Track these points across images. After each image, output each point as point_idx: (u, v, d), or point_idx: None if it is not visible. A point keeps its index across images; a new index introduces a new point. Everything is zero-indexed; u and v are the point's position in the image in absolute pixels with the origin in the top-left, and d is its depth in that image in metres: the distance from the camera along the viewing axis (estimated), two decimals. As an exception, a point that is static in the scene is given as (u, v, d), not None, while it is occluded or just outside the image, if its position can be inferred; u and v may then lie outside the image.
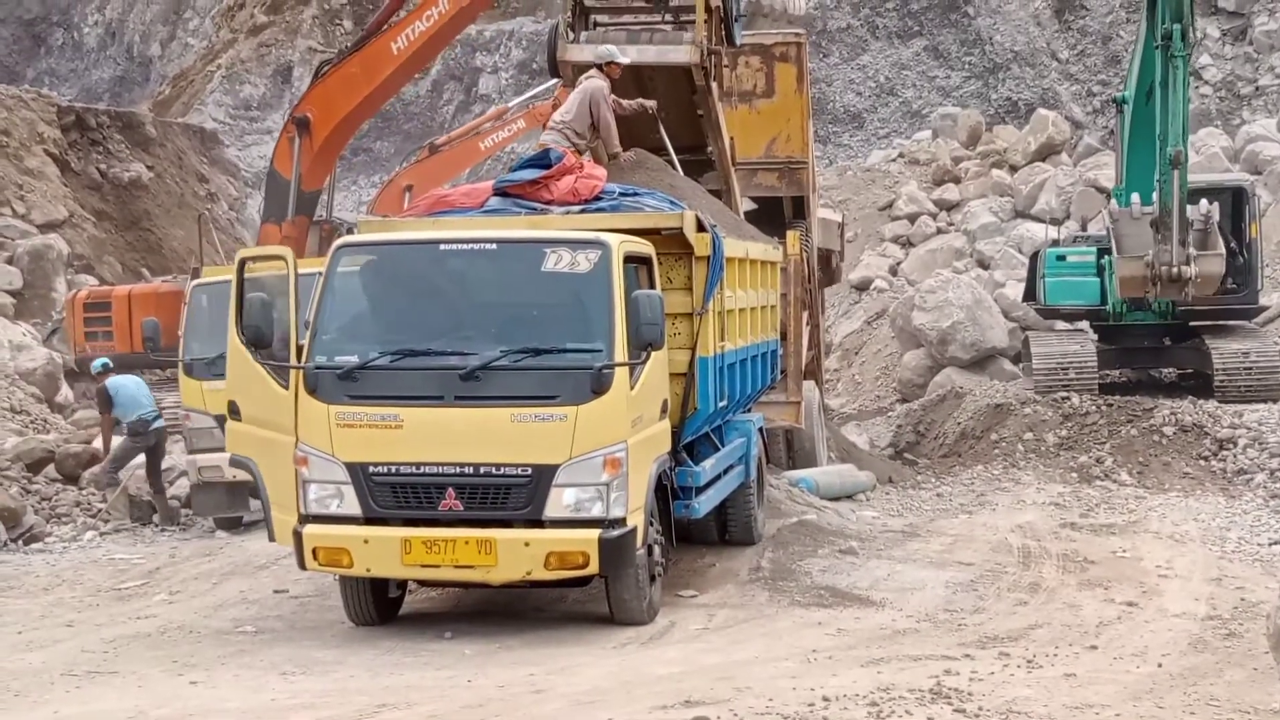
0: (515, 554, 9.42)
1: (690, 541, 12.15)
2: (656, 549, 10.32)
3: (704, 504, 11.28)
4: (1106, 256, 21.73)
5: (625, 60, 12.86)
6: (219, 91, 46.15)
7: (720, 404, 11.35)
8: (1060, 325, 23.30)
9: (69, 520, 15.66)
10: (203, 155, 38.97)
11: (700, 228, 10.68)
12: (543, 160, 11.15)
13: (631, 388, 9.62)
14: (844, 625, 10.16)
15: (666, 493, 10.60)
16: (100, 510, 15.90)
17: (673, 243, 10.62)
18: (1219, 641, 9.70)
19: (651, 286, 10.23)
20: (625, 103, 12.97)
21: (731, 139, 14.72)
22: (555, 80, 13.44)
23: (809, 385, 16.93)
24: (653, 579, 10.25)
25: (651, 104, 13.18)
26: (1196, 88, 35.68)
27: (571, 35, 13.40)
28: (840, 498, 16.21)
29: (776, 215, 17.02)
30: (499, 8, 44.95)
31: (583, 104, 12.57)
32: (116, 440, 16.36)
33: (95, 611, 11.42)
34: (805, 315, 16.61)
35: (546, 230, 10.38)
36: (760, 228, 16.26)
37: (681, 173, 13.23)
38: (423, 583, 10.85)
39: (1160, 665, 8.94)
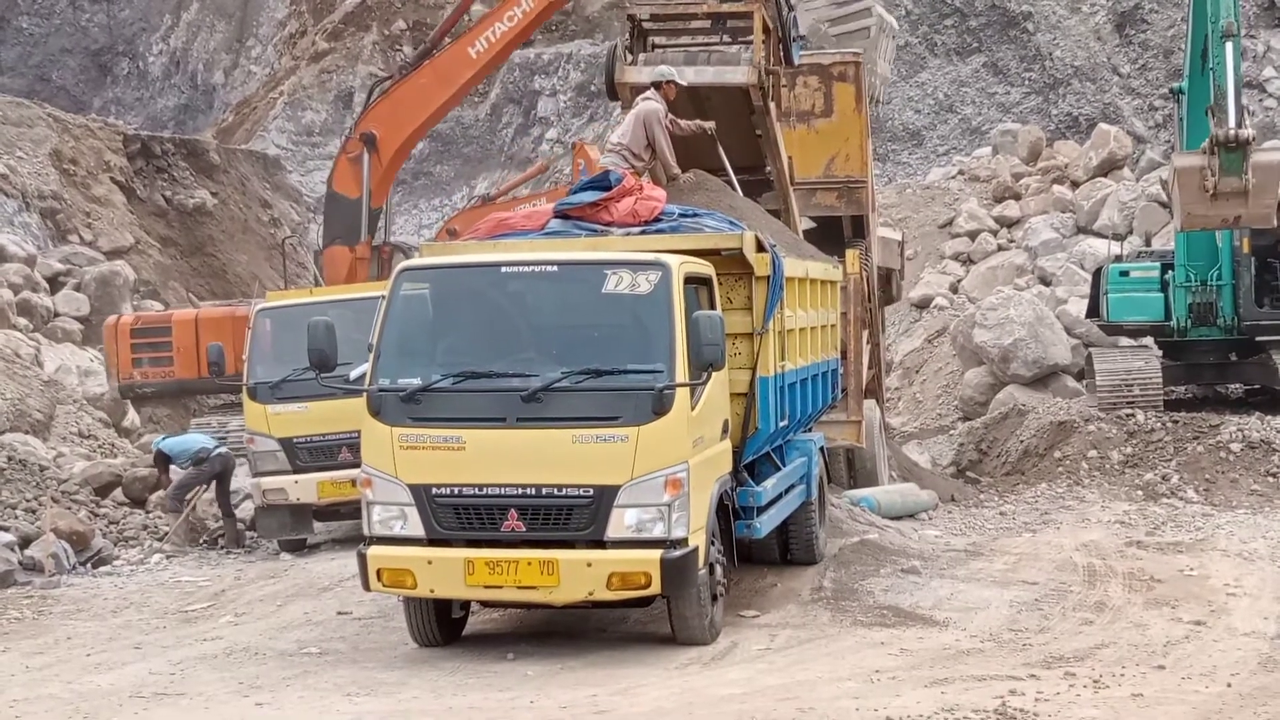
0: (578, 575, 9.46)
1: (752, 561, 12.20)
2: (718, 569, 10.29)
3: (765, 524, 11.26)
4: (1170, 271, 21.55)
5: (682, 81, 12.89)
6: (281, 118, 46.68)
7: (781, 423, 11.34)
8: (1124, 341, 23.08)
9: (136, 543, 15.85)
10: (265, 181, 39.43)
11: (760, 248, 10.69)
12: (603, 182, 11.15)
13: (692, 408, 9.64)
14: (907, 645, 10.10)
15: (728, 512, 10.58)
16: (165, 534, 16.09)
17: (733, 263, 10.63)
18: (1289, 661, 9.57)
19: (712, 307, 10.24)
20: (683, 123, 13.00)
21: (790, 159, 14.73)
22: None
23: (870, 404, 16.88)
24: (714, 599, 10.22)
25: (710, 125, 13.19)
26: (1260, 100, 35.33)
27: (630, 57, 13.46)
28: (902, 517, 16.14)
29: (836, 234, 17.01)
30: (557, 31, 45.21)
31: (638, 125, 12.62)
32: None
33: (162, 634, 11.54)
34: (865, 334, 16.57)
35: (606, 252, 10.40)
36: (820, 247, 16.24)
37: (741, 193, 13.22)
38: (486, 603, 10.88)
39: (1229, 685, 8.83)
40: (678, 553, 9.47)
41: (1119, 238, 27.90)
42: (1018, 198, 33.41)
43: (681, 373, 9.56)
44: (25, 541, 14.64)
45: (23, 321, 26.44)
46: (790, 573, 12.54)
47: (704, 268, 10.40)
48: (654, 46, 13.88)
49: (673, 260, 9.87)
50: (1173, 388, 21.89)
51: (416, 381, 9.74)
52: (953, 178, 36.05)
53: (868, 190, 17.40)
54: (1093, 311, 23.52)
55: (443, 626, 10.45)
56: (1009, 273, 30.47)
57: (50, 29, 56.13)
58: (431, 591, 9.81)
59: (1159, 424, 19.50)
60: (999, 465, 20.35)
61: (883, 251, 19.05)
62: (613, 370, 9.62)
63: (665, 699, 8.61)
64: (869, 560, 13.02)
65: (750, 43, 13.47)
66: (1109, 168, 33.01)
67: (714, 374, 9.91)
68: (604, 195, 10.99)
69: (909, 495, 16.96)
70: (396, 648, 10.50)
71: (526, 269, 10.05)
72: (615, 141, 12.82)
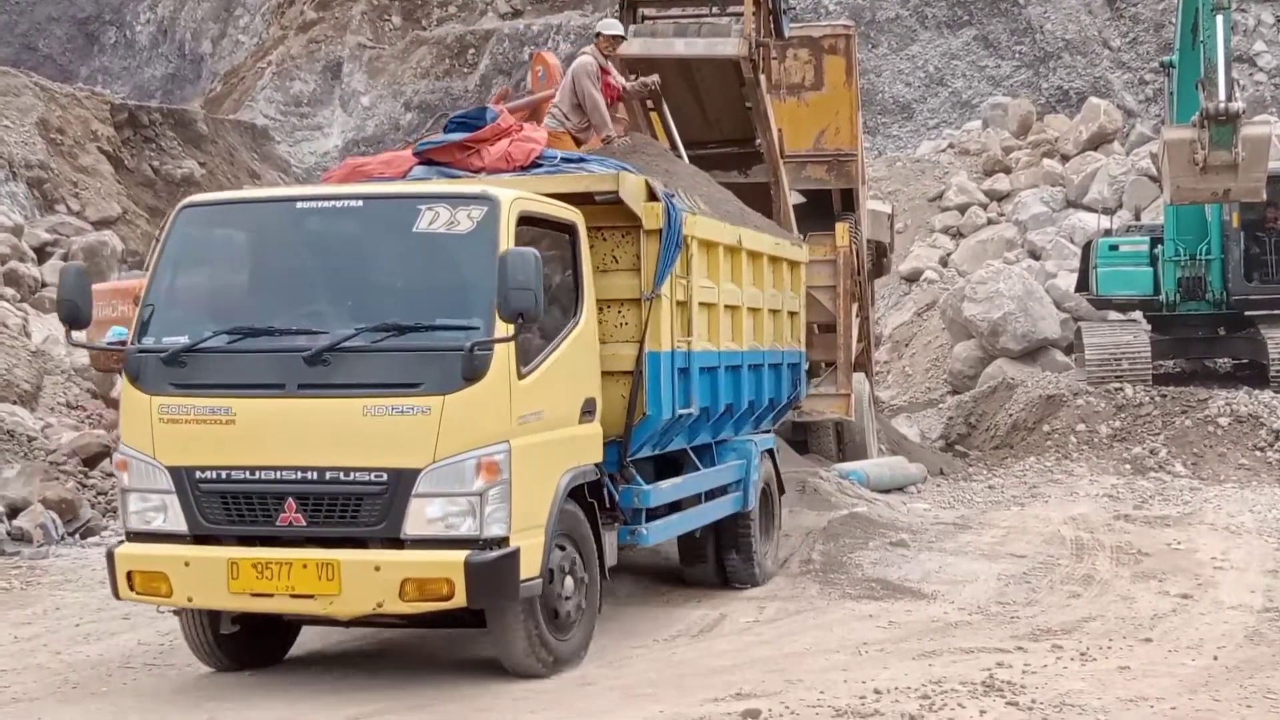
0: (363, 581, 7.70)
1: (686, 584, 11.28)
2: (570, 581, 8.49)
3: (657, 532, 9.69)
4: (1160, 246, 21.57)
5: (613, 33, 12.18)
6: (269, 88, 46.46)
7: (683, 412, 9.72)
8: (1113, 315, 23.14)
9: (124, 514, 15.80)
10: (254, 152, 39.26)
11: (652, 196, 9.18)
12: (477, 119, 9.60)
13: (521, 375, 7.93)
14: (895, 618, 10.13)
15: (594, 513, 8.80)
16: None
17: (617, 214, 9.09)
18: (1275, 634, 9.60)
19: (575, 261, 8.75)
20: (628, 85, 12.40)
21: (780, 131, 14.70)
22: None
23: (859, 377, 16.90)
24: (560, 617, 8.44)
25: (653, 79, 12.56)
26: (1250, 74, 35.29)
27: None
28: (891, 490, 16.18)
29: (825, 208, 17.00)
30: (547, 3, 45.06)
31: (566, 82, 11.90)
32: None
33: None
34: (855, 307, 16.58)
35: (424, 186, 8.89)
36: (810, 220, 16.27)
37: (686, 159, 12.45)
38: (256, 616, 8.61)
39: (1216, 658, 8.86)
40: (490, 555, 7.68)
41: (1108, 212, 27.87)
42: (1008, 171, 33.41)
43: (504, 331, 7.79)
44: (13, 512, 14.62)
45: (10, 291, 26.32)
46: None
47: (561, 211, 8.72)
48: (644, 18, 13.85)
49: (503, 194, 8.14)
50: (1161, 362, 21.96)
51: (184, 340, 8.06)
52: (943, 151, 36.03)
53: (857, 163, 17.38)
54: (1082, 285, 23.55)
55: (240, 645, 8.73)
56: (998, 246, 30.48)
57: (37, -3, 55.79)
58: (190, 601, 8.06)
59: (1147, 398, 19.55)
60: (988, 439, 20.39)
61: (872, 225, 19.04)
62: (417, 326, 7.81)
63: (653, 670, 8.63)
64: (858, 533, 13.05)
65: (740, 15, 13.43)
66: (1099, 141, 33.02)
67: (575, 340, 8.53)
68: (470, 136, 9.42)
69: (898, 469, 16.99)
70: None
71: (326, 204, 8.38)
72: (555, 101, 12.15)
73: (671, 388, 9.44)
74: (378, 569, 7.69)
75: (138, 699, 8.36)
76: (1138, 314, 22.53)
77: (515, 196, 8.22)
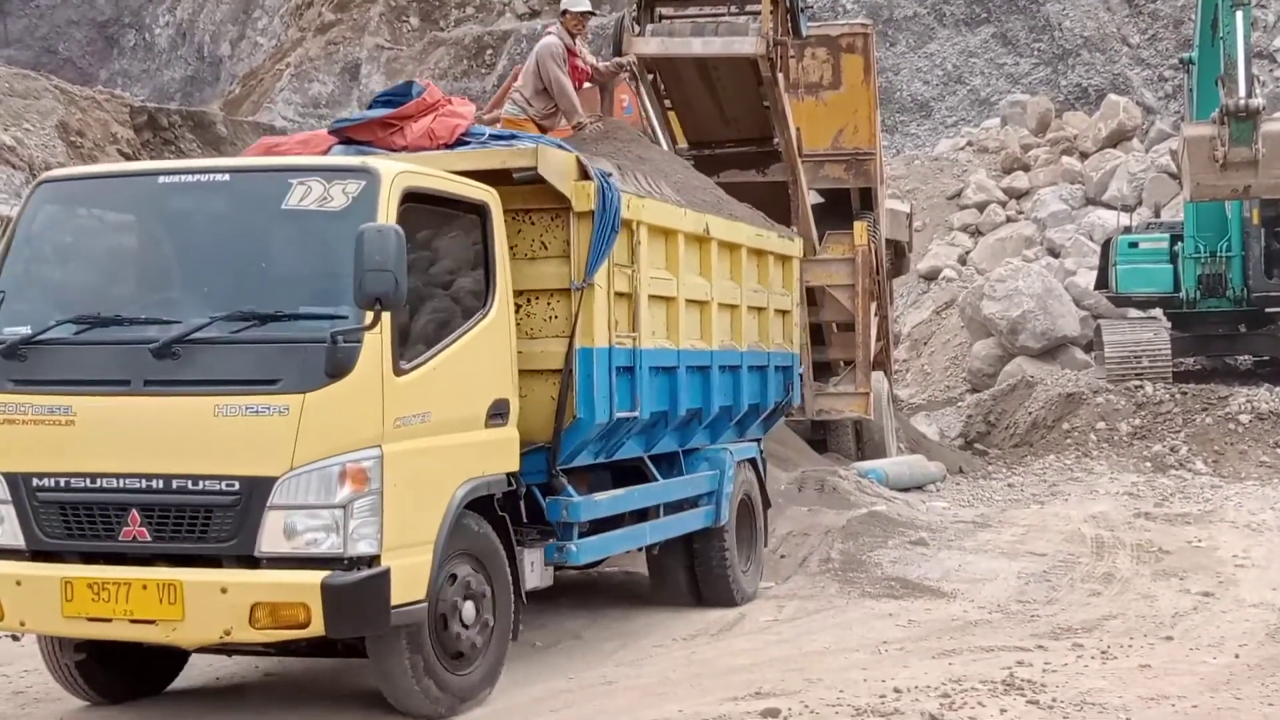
0: (209, 605, 6.73)
1: (657, 604, 10.57)
2: (470, 607, 7.51)
3: (590, 549, 8.76)
4: (1179, 243, 21.52)
5: (581, 10, 11.40)
6: (288, 90, 46.62)
7: (624, 415, 8.75)
8: (1133, 313, 23.10)
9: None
10: (273, 153, 39.36)
11: (584, 174, 8.33)
12: (401, 95, 8.77)
13: (400, 371, 7.01)
14: (915, 616, 10.11)
15: (509, 530, 7.87)
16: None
17: (547, 195, 8.27)
18: (1297, 632, 9.57)
19: (487, 246, 7.84)
20: (602, 65, 11.86)
21: (798, 130, 14.70)
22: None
23: (878, 376, 16.89)
24: (455, 648, 7.43)
25: (629, 59, 12.12)
26: (1271, 70, 35.15)
27: (637, 29, 13.43)
28: (910, 488, 16.16)
29: (844, 207, 16.98)
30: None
31: (530, 66, 11.18)
32: None
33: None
34: (874, 306, 16.57)
35: (301, 158, 8.08)
36: (828, 219, 16.28)
37: (665, 146, 11.84)
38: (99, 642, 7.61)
39: (1237, 656, 8.83)
40: (352, 577, 6.69)
41: (1128, 209, 27.86)
42: (1026, 169, 33.34)
43: (382, 321, 6.83)
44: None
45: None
46: (792, 542, 12.53)
47: (468, 189, 7.80)
48: (661, 17, 13.85)
49: (385, 167, 7.22)
50: (1181, 359, 21.90)
51: (26, 330, 7.17)
52: (961, 149, 35.97)
53: (876, 162, 17.37)
54: (1101, 283, 23.50)
55: (112, 675, 7.82)
56: (1017, 244, 30.43)
57: (57, 1, 56.05)
58: (23, 625, 7.15)
59: (1168, 395, 19.50)
60: (1007, 437, 20.35)
61: (891, 223, 19.03)
62: (278, 315, 6.87)
63: (672, 669, 8.62)
64: (877, 532, 13.03)
65: (758, 14, 13.42)
66: (1118, 139, 32.94)
67: (480, 334, 7.64)
68: (392, 112, 8.58)
69: (917, 467, 16.97)
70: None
71: (191, 179, 7.45)
72: (517, 86, 11.39)
73: (609, 388, 8.50)
74: (225, 591, 6.72)
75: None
76: (1158, 311, 22.49)
77: (400, 170, 7.25)
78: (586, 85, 11.95)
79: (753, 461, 11.17)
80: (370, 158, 7.65)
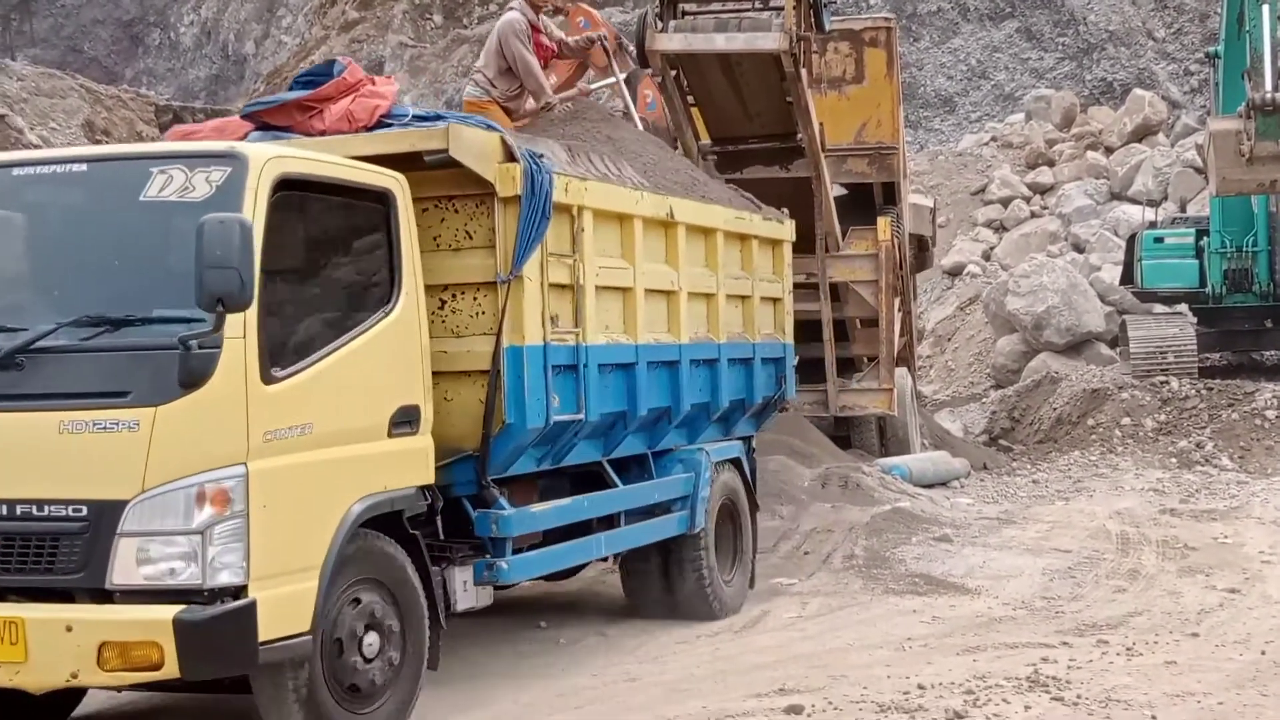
0: (53, 645, 6.02)
1: (638, 616, 10.00)
2: (373, 638, 6.79)
3: (525, 565, 8.14)
4: (1205, 238, 21.43)
5: None
6: (313, 88, 46.71)
7: (567, 418, 8.10)
8: (1158, 308, 23.01)
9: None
10: (297, 151, 39.48)
11: (509, 156, 7.66)
12: (323, 74, 8.08)
13: (270, 379, 6.29)
14: (939, 613, 10.09)
15: (422, 550, 7.17)
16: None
17: (469, 180, 7.64)
18: (1324, 629, 9.52)
19: (391, 238, 7.15)
20: (571, 40, 11.24)
21: (821, 125, 14.66)
22: (612, 79, 12.23)
23: (901, 372, 16.85)
24: (354, 682, 6.71)
25: (599, 34, 11.63)
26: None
27: (660, 25, 13.40)
28: (934, 485, 16.12)
29: (867, 202, 16.94)
30: (587, -2, 45.09)
31: (492, 44, 10.51)
32: None
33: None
34: (897, 301, 16.53)
35: (167, 145, 7.45)
36: (851, 214, 16.23)
37: (641, 127, 11.36)
38: None
39: (1264, 653, 8.78)
40: (209, 612, 5.96)
41: (1153, 204, 27.76)
42: (1051, 164, 33.24)
43: (240, 323, 6.11)
44: None
45: (57, 292, 26.61)
46: (816, 538, 12.51)
47: (367, 175, 7.13)
48: (684, 13, 13.82)
49: (254, 152, 6.52)
50: (1207, 355, 21.81)
51: None
52: (985, 144, 35.89)
53: (899, 157, 17.32)
54: (1127, 278, 23.43)
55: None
56: (1042, 240, 30.34)
57: (82, 0, 56.32)
58: None
59: (1193, 391, 19.42)
60: (1031, 433, 20.29)
61: (915, 219, 18.97)
62: (130, 319, 6.17)
63: (696, 666, 8.62)
64: (901, 528, 13.00)
65: (781, 9, 13.39)
66: (1143, 133, 32.81)
67: (384, 335, 6.98)
68: (310, 94, 7.90)
69: (941, 463, 16.93)
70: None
71: (47, 170, 6.80)
72: (478, 66, 10.74)
73: (543, 389, 7.83)
74: (70, 630, 5.99)
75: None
76: (1183, 306, 22.40)
77: (272, 156, 6.52)
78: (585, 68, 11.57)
79: (736, 462, 10.45)
80: (238, 142, 7.05)
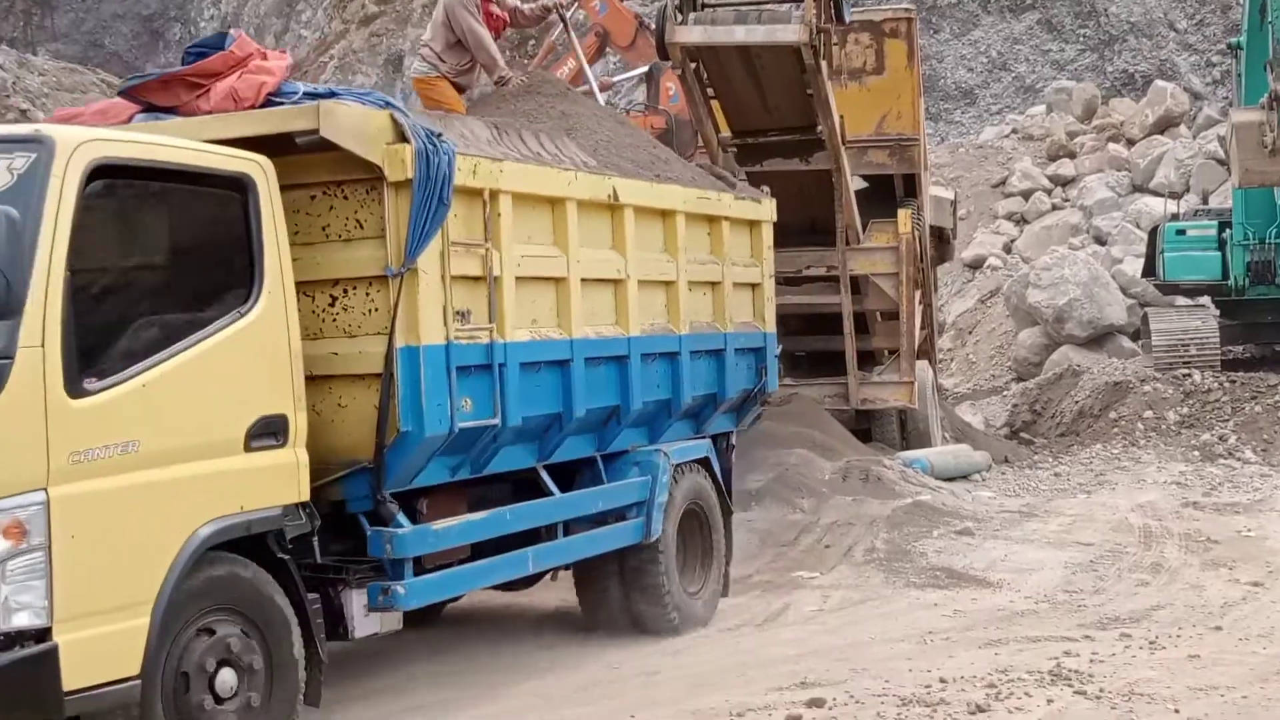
0: None
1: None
2: (228, 676, 6.14)
3: (425, 589, 7.37)
4: (1228, 230, 21.32)
5: None
6: (331, 82, 46.72)
7: (479, 424, 7.42)
8: (1181, 301, 22.91)
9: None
10: (317, 145, 39.55)
11: (401, 136, 6.95)
12: (214, 46, 7.44)
13: (80, 392, 5.62)
14: (961, 606, 10.07)
15: (293, 576, 6.51)
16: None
17: (359, 165, 6.97)
18: (1349, 622, 9.47)
19: (249, 228, 6.44)
20: (525, 8, 10.77)
21: (841, 117, 14.63)
22: (641, 69, 11.95)
23: (922, 365, 16.80)
24: None
25: (555, 2, 11.22)
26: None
27: (680, 17, 13.38)
28: (955, 478, 16.08)
29: (888, 194, 16.90)
30: (606, -9, 45.05)
31: (439, 15, 10.06)
32: None
33: None
34: (918, 294, 16.48)
35: None
36: (872, 206, 16.19)
37: (601, 102, 10.87)
38: None
39: (1288, 647, 8.76)
40: (3, 659, 5.37)
41: (1175, 196, 27.58)
42: (1072, 156, 33.11)
43: (38, 330, 5.46)
44: None
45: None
46: (839, 530, 12.48)
47: (219, 160, 6.43)
48: (704, 5, 13.79)
49: (64, 135, 5.84)
50: (1230, 347, 21.69)
51: None
52: (1006, 136, 35.75)
53: (920, 148, 17.26)
54: (1149, 271, 23.31)
55: None
56: (1063, 232, 30.21)
57: (102, -5, 56.51)
58: None
59: (1216, 384, 19.34)
60: (1053, 426, 20.22)
61: (935, 211, 18.91)
62: None
63: (717, 660, 8.62)
64: (922, 522, 12.98)
65: (801, 0, 13.36)
66: (1165, 125, 32.66)
67: (239, 337, 6.29)
68: (192, 68, 7.29)
69: (962, 456, 16.89)
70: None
71: None
72: (425, 40, 10.26)
73: (447, 393, 7.12)
74: None
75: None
76: (1206, 299, 22.30)
77: (84, 140, 5.83)
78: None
79: (705, 462, 9.70)
80: (50, 125, 6.34)
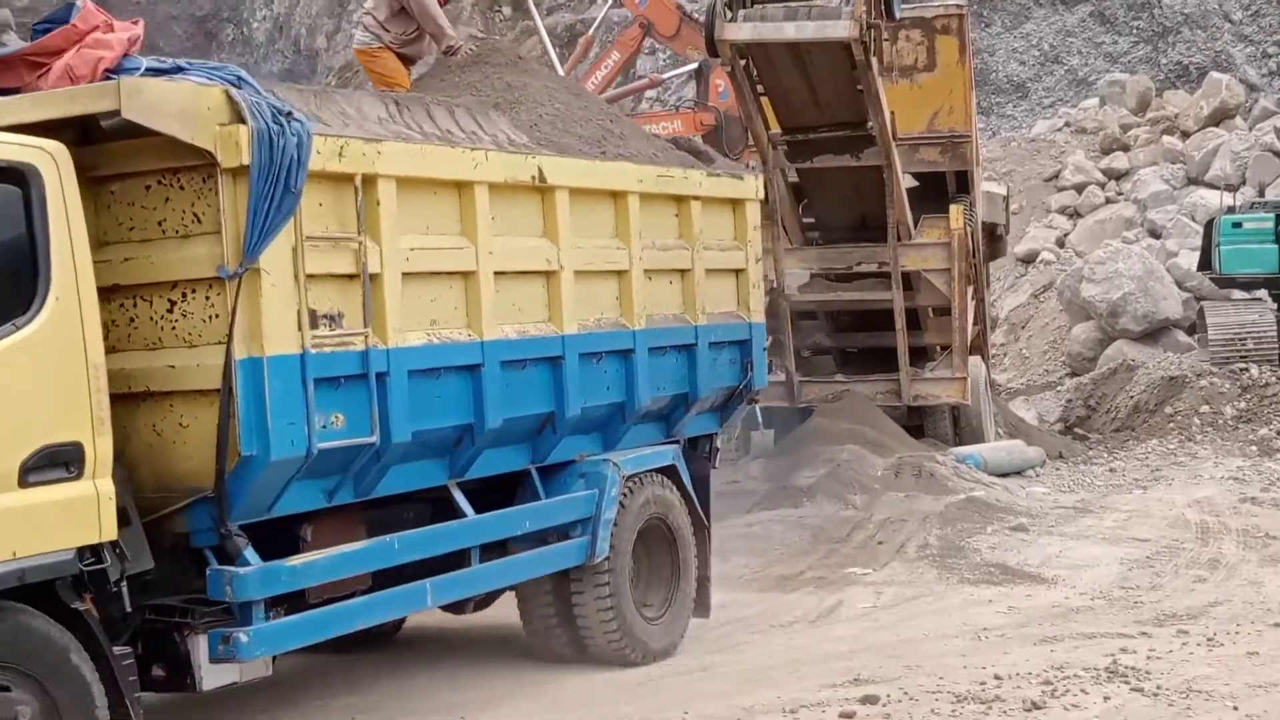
0: None
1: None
2: None
3: (281, 634, 6.41)
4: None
5: None
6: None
7: (350, 442, 6.50)
8: (1237, 294, 22.69)
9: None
10: (369, 144, 39.75)
11: (239, 116, 6.03)
12: (61, 21, 6.62)
13: None
14: (1015, 603, 10.03)
15: (94, 627, 5.63)
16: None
17: (192, 151, 6.05)
18: None
19: (32, 226, 5.53)
20: None
21: (892, 114, 14.61)
22: (691, 65, 11.85)
23: (975, 361, 16.74)
24: None
25: None
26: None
27: (729, 14, 13.39)
28: (1009, 474, 16.02)
29: (940, 190, 16.85)
30: (656, -12, 45.07)
31: None
32: None
33: None
34: (970, 290, 16.42)
35: None
36: (924, 203, 16.15)
37: (561, 72, 10.21)
38: None
39: (1348, 643, 8.67)
40: None
41: (1231, 189, 27.31)
42: (1126, 149, 32.85)
43: None
44: None
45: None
46: (891, 528, 12.45)
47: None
48: (753, 2, 13.79)
49: None
50: (1287, 341, 21.47)
51: None
52: (1059, 130, 35.50)
53: (972, 144, 17.20)
54: (1204, 264, 23.10)
55: None
56: (1117, 226, 29.98)
57: (157, -3, 57.05)
58: None
59: (1274, 378, 19.17)
60: (1108, 421, 20.09)
61: (987, 206, 18.82)
62: None
63: (770, 656, 8.63)
64: (975, 518, 12.93)
65: (851, -2, 13.34)
66: (1220, 117, 32.34)
67: (13, 354, 5.39)
68: (34, 45, 6.54)
69: (1016, 452, 16.82)
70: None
71: None
72: (367, 8, 9.66)
73: (301, 409, 6.20)
74: None
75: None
76: (1262, 292, 22.06)
77: None
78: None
79: (670, 471, 8.68)
80: None
